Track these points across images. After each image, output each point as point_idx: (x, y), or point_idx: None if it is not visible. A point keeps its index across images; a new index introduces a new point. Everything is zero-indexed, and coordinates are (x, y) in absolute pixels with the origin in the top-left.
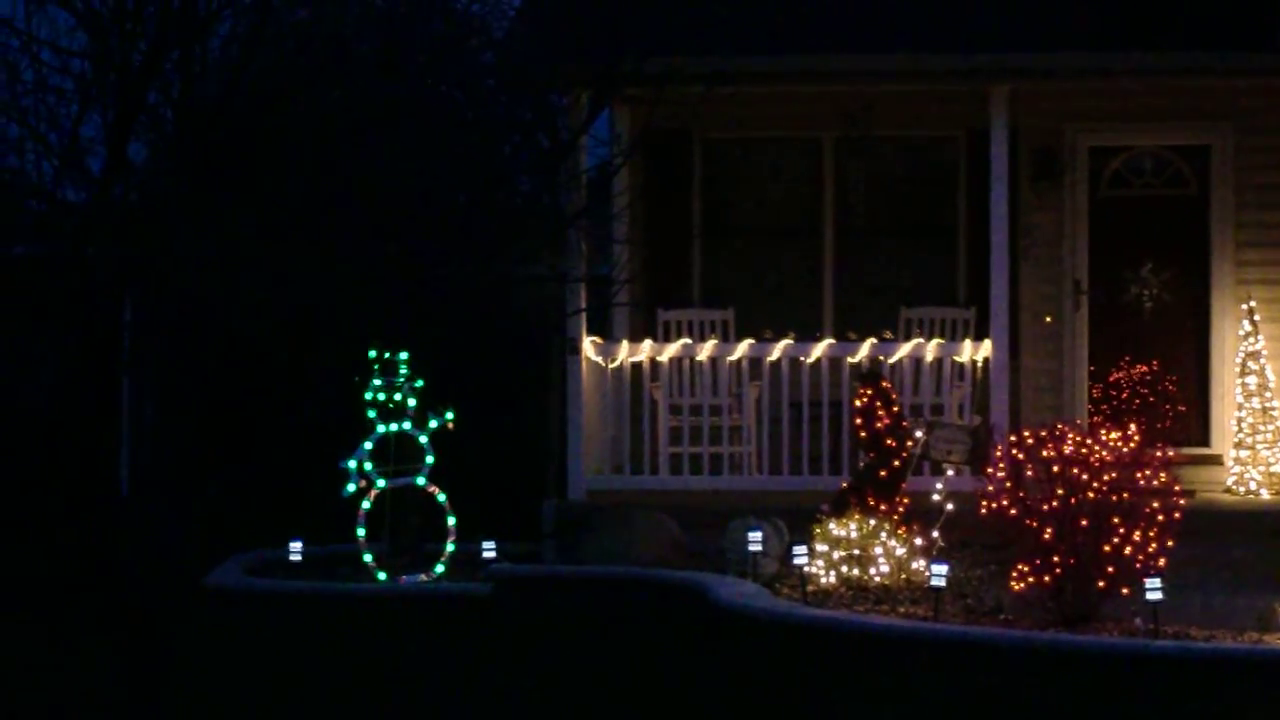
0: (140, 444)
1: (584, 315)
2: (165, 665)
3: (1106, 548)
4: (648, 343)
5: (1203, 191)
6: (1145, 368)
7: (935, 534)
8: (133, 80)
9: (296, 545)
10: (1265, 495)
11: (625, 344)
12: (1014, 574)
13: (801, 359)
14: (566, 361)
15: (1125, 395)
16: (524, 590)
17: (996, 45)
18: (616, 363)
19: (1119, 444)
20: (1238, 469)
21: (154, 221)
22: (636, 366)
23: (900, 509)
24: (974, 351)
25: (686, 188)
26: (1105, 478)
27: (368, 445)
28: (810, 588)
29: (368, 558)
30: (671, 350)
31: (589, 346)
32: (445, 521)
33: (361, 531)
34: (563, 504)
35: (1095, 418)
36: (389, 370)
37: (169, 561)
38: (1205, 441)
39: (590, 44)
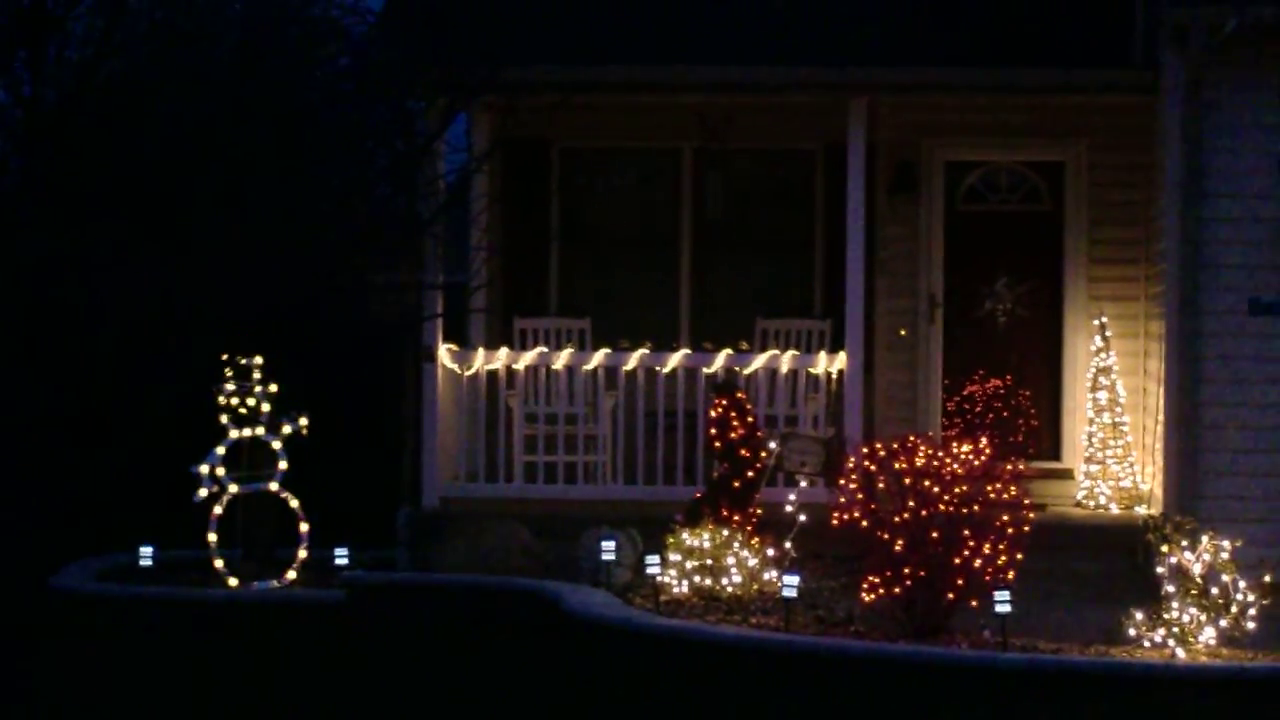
0: None
1: (440, 322)
2: (12, 668)
3: (957, 560)
4: (504, 350)
5: (1057, 207)
6: (999, 382)
7: (788, 545)
8: None
9: (147, 550)
10: (1114, 509)
11: (481, 351)
12: (865, 585)
13: (658, 369)
14: (422, 368)
15: (979, 409)
16: (377, 597)
17: (855, 59)
18: (472, 370)
19: (971, 457)
20: (1088, 483)
21: (1, 219)
22: (492, 374)
23: (754, 519)
24: (829, 363)
25: (544, 196)
26: (957, 490)
27: (220, 450)
28: (663, 597)
29: (219, 563)
30: (527, 358)
31: (445, 354)
32: (298, 528)
33: (213, 537)
34: (417, 511)
35: (949, 431)
36: (242, 375)
37: (13, 564)
38: (1057, 456)
39: (447, 51)
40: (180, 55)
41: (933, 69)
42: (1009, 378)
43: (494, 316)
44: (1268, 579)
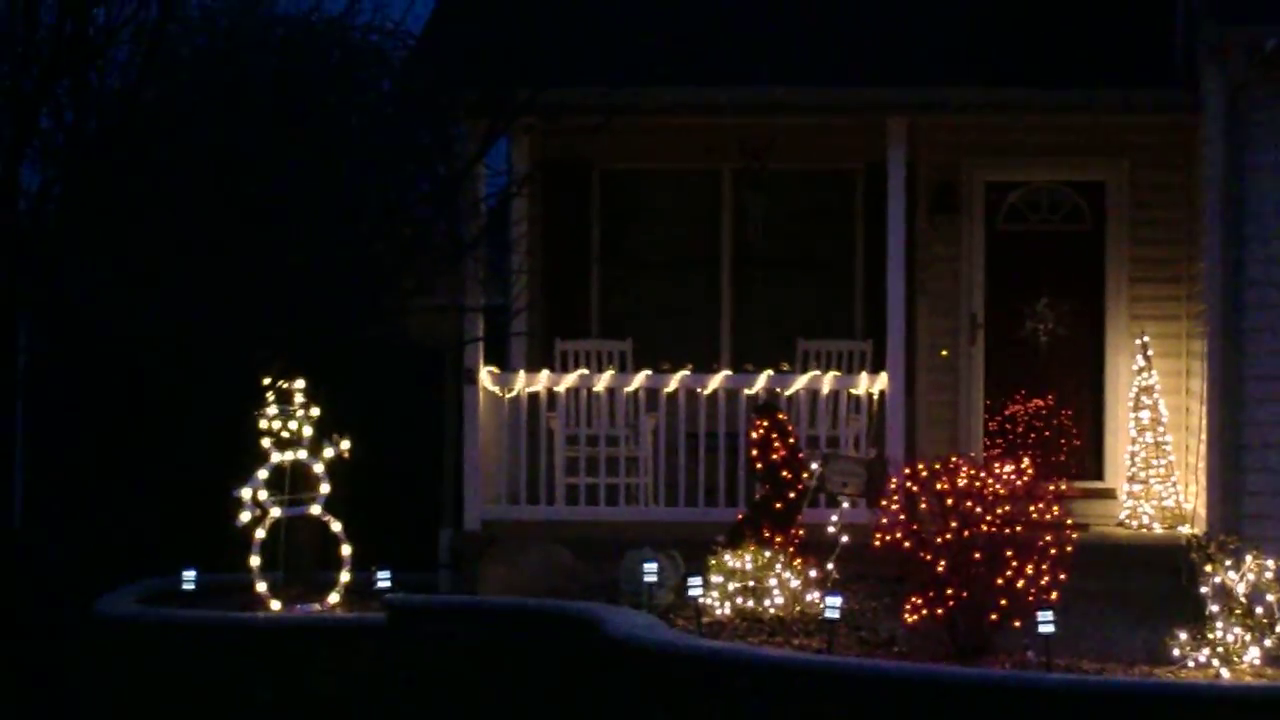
0: (34, 473)
1: (481, 345)
2: (58, 693)
3: (1000, 580)
4: (545, 373)
5: (1098, 227)
6: (1040, 402)
7: (830, 566)
8: (24, 105)
9: (190, 574)
10: (1157, 529)
11: (522, 374)
12: (908, 606)
13: (699, 390)
14: (463, 391)
15: (1021, 429)
16: (419, 620)
17: (895, 79)
18: (513, 393)
19: (1013, 477)
20: (1131, 503)
21: (45, 246)
22: (533, 396)
23: (796, 541)
24: (870, 384)
25: (585, 218)
26: (999, 511)
27: (262, 474)
28: (705, 619)
29: (261, 587)
30: (569, 380)
31: (486, 376)
32: (340, 551)
33: (256, 560)
34: (459, 534)
35: (991, 451)
36: (284, 399)
37: (59, 590)
38: (1099, 475)
39: (487, 74)
40: (221, 80)
41: (972, 89)
42: (1051, 397)
43: (535, 339)
44: None
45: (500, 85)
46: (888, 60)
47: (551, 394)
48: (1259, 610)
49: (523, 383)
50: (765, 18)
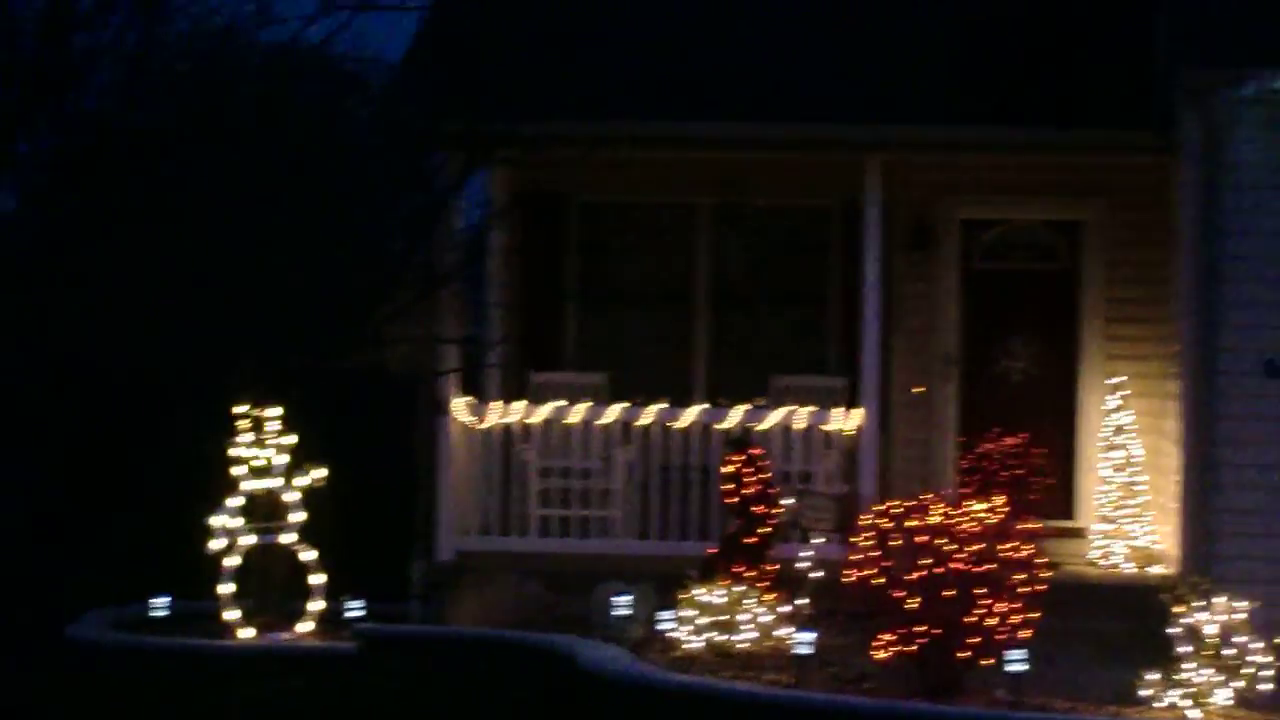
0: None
1: (456, 376)
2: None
3: (971, 619)
4: (520, 404)
5: (1074, 266)
6: (1014, 440)
7: (802, 601)
8: (2, 129)
9: (161, 600)
10: (1129, 569)
11: (497, 405)
12: (879, 643)
13: (673, 424)
14: (437, 422)
15: (994, 467)
16: (390, 650)
17: (872, 116)
18: (488, 424)
19: (985, 515)
20: (1102, 542)
21: (17, 270)
22: (508, 428)
23: (768, 576)
24: (845, 420)
25: (562, 250)
26: (971, 549)
27: (234, 502)
28: (676, 653)
29: (233, 614)
30: (543, 413)
31: (461, 407)
32: (312, 579)
33: (227, 588)
34: (431, 564)
35: (964, 488)
36: (258, 427)
37: (28, 616)
38: (1071, 514)
39: (465, 105)
40: (202, 107)
41: (949, 127)
42: (1024, 436)
43: (510, 370)
44: None
45: (478, 117)
46: (865, 97)
47: (526, 426)
48: (1229, 652)
49: (497, 414)
50: (744, 53)
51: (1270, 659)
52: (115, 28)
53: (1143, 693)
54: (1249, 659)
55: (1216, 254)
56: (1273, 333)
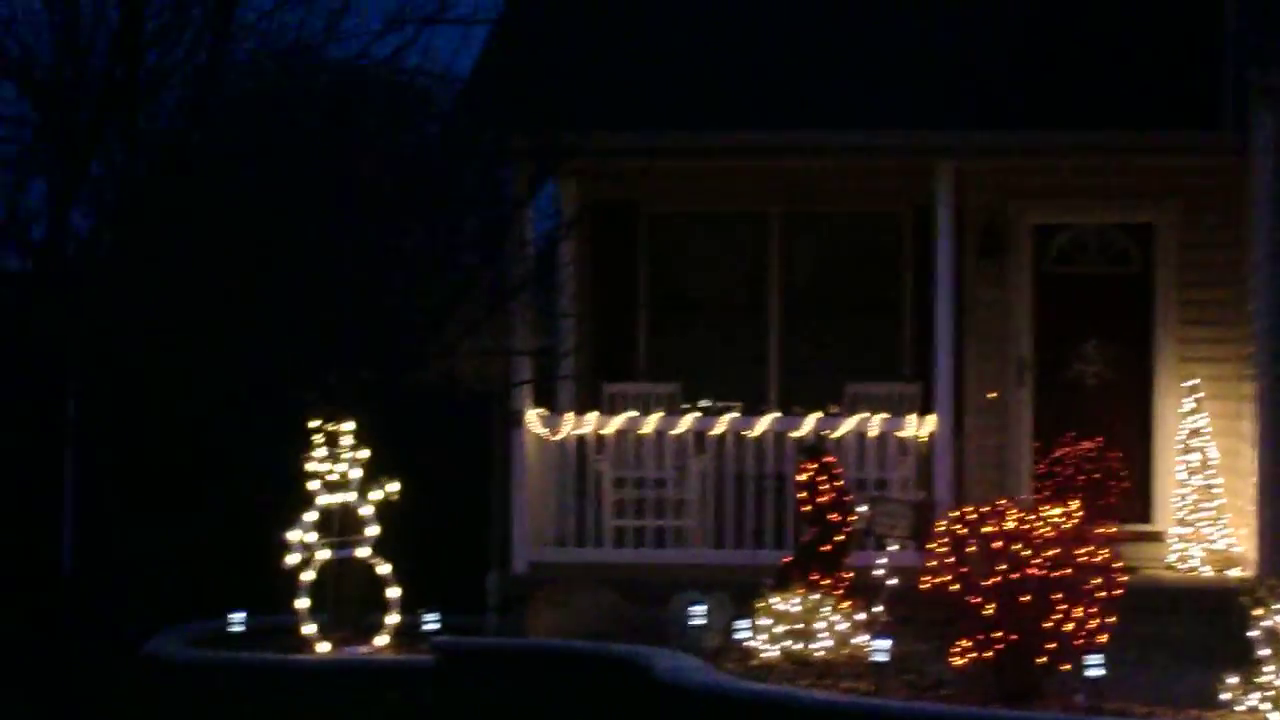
0: (83, 518)
1: (529, 388)
2: None
3: (1048, 624)
4: (593, 415)
5: (1147, 269)
6: (1089, 444)
7: (878, 609)
8: (75, 149)
9: (238, 616)
10: (1207, 572)
11: (570, 416)
12: (955, 649)
13: (746, 433)
14: (510, 434)
15: (1069, 471)
16: (467, 662)
17: (942, 122)
18: (561, 435)
19: (1061, 520)
20: (1180, 546)
21: (95, 290)
22: (581, 439)
23: (844, 583)
24: (918, 427)
25: (633, 260)
26: (1047, 554)
27: (309, 516)
28: (752, 662)
29: (310, 629)
30: (616, 423)
31: (533, 419)
32: (388, 593)
33: (303, 603)
34: (506, 576)
35: (1039, 493)
36: (333, 441)
37: (108, 632)
38: (1148, 518)
39: (534, 117)
40: (271, 124)
41: (1017, 132)
42: (1099, 440)
43: (583, 381)
44: None
45: (547, 129)
46: (934, 103)
47: (599, 436)
48: None
49: (570, 425)
50: (811, 60)
51: None
52: (185, 46)
53: (1223, 696)
54: None
55: None
56: None
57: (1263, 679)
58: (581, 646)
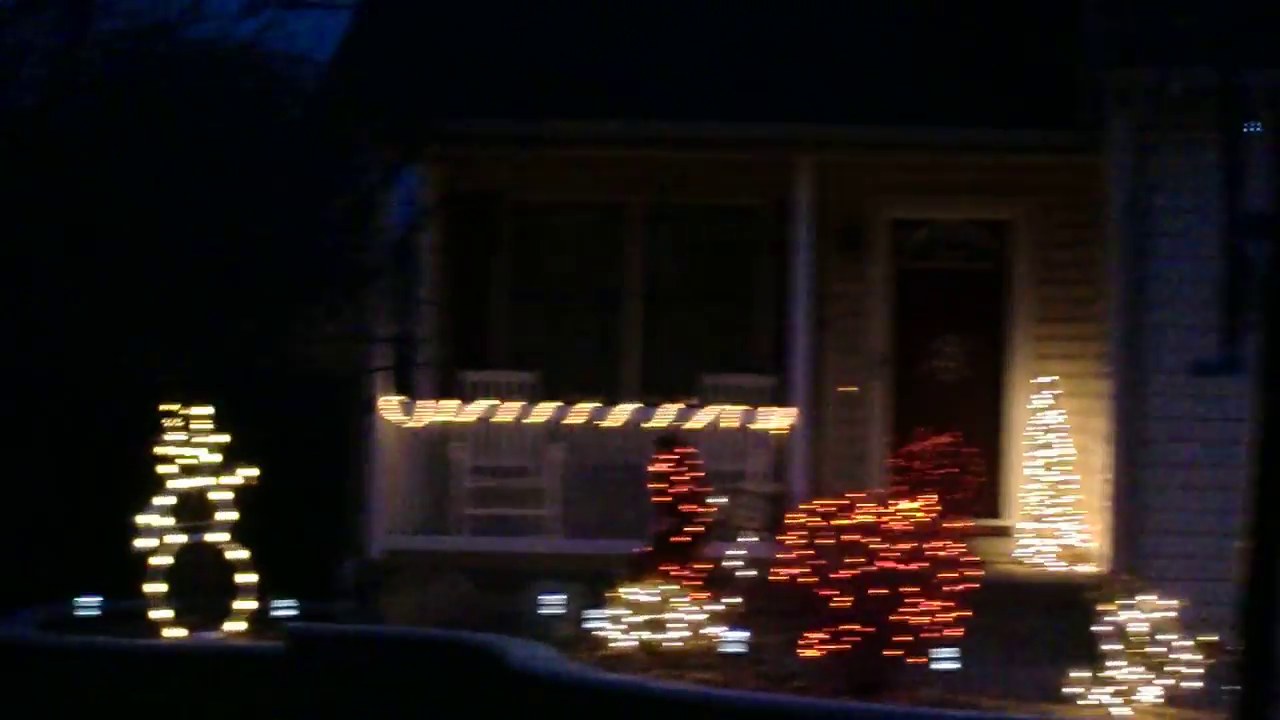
0: None
1: (387, 374)
2: None
3: (899, 617)
4: (451, 403)
5: (1004, 266)
6: (944, 439)
7: (733, 600)
8: None
9: (90, 599)
10: (1058, 568)
11: (428, 404)
12: (808, 641)
13: (604, 423)
14: (367, 420)
15: (924, 466)
16: (320, 649)
17: (804, 116)
18: (418, 423)
19: (915, 514)
20: (1032, 541)
21: None
22: (439, 427)
23: (699, 574)
24: (776, 419)
25: (494, 249)
26: (900, 547)
27: (163, 500)
28: (607, 652)
29: (161, 614)
30: (474, 411)
31: (391, 406)
32: (242, 578)
33: (156, 587)
34: (362, 563)
35: (894, 487)
36: (187, 425)
37: None
38: (1001, 513)
39: (394, 103)
40: (131, 105)
41: (878, 127)
42: (954, 435)
43: (442, 369)
44: (1210, 638)
45: (405, 115)
46: (796, 97)
47: (457, 424)
48: (1157, 649)
49: (427, 413)
50: (677, 54)
51: (1199, 656)
52: (45, 24)
53: (1070, 690)
54: (1177, 656)
55: (1145, 254)
56: (1200, 331)
57: (1109, 673)
58: (436, 634)
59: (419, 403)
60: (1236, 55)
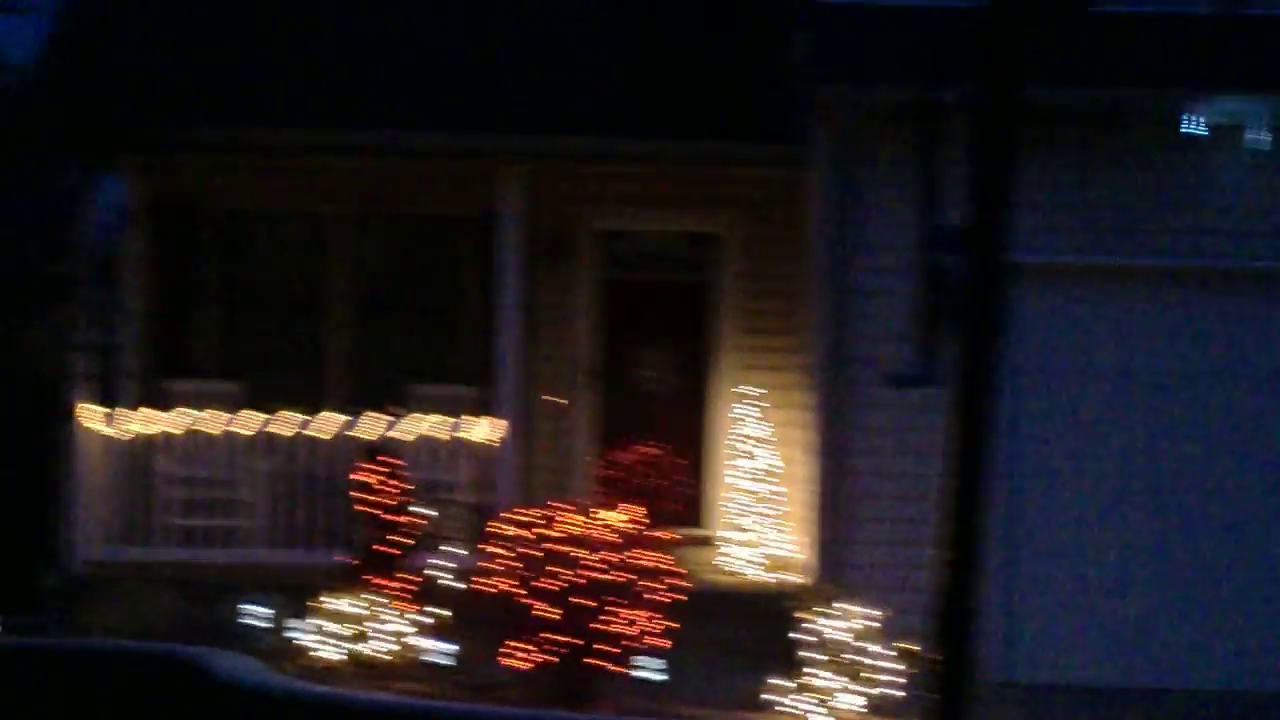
0: None
1: (90, 384)
2: None
3: (604, 627)
4: (154, 413)
5: (711, 278)
6: (651, 449)
7: (440, 611)
8: None
9: None
10: (763, 577)
11: (131, 413)
12: (514, 652)
13: (311, 433)
14: (69, 429)
15: (631, 476)
16: (20, 662)
17: (513, 127)
18: (122, 432)
19: (620, 524)
20: (736, 550)
21: None
22: (142, 436)
23: (405, 585)
24: (484, 430)
25: (199, 258)
26: (605, 557)
27: None
28: (314, 663)
29: None
30: (178, 421)
31: (95, 415)
32: None
33: None
34: (64, 575)
35: (601, 497)
36: None
37: None
38: (707, 523)
39: (91, 108)
40: None
41: (586, 138)
42: (662, 445)
43: (147, 378)
44: (911, 646)
45: (102, 120)
46: (506, 108)
47: (160, 434)
48: (858, 658)
49: (131, 422)
50: (389, 62)
51: (900, 665)
52: None
53: (770, 698)
54: (878, 665)
55: (847, 267)
56: (898, 344)
57: (809, 681)
58: (141, 647)
59: (122, 412)
60: (933, 72)
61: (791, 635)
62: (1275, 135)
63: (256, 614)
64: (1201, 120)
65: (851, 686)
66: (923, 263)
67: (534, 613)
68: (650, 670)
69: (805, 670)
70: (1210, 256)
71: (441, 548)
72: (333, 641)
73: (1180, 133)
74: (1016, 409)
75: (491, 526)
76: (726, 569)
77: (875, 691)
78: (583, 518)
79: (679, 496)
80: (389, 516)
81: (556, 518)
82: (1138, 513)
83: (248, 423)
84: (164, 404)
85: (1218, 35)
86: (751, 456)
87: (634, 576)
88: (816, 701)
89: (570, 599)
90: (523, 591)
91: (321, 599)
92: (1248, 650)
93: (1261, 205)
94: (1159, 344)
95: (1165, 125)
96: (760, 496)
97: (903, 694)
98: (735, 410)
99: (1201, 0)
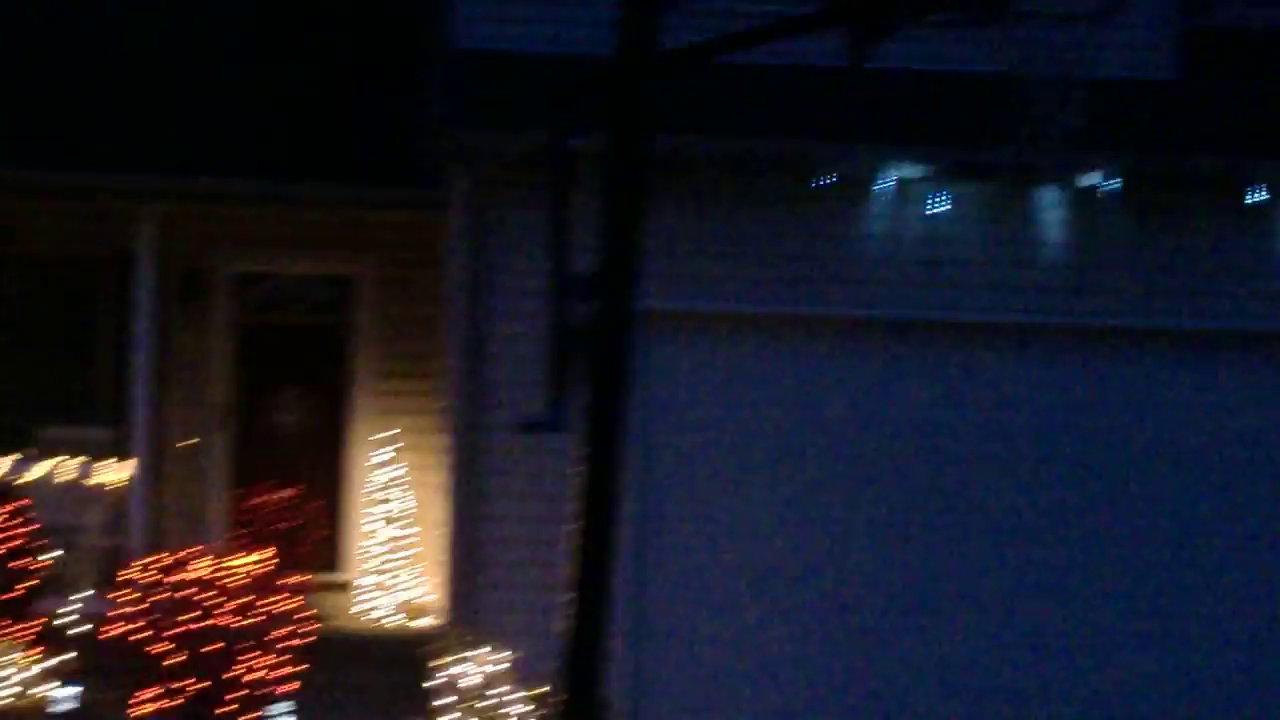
0: None
1: None
2: None
3: (233, 673)
4: None
5: (348, 320)
6: (288, 492)
7: (66, 657)
8: None
9: None
10: (397, 622)
11: None
12: (142, 699)
13: None
14: None
15: (266, 520)
16: None
17: (144, 166)
18: None
19: (252, 568)
20: (372, 595)
21: None
22: None
23: (31, 630)
24: (115, 472)
25: None
26: (236, 602)
27: None
28: None
29: None
30: None
31: None
32: None
33: None
34: None
35: (235, 541)
36: None
37: None
38: (341, 568)
39: None
40: None
41: (220, 178)
42: (297, 489)
43: None
44: (541, 690)
45: None
46: (141, 148)
47: None
48: (490, 703)
49: None
50: (18, 100)
51: (530, 708)
52: None
53: None
54: (508, 709)
55: (483, 312)
56: (530, 389)
57: None
58: None
59: None
60: (565, 120)
61: (423, 680)
62: (904, 185)
63: None
64: (834, 174)
65: None
66: (552, 309)
67: (164, 660)
68: (281, 717)
69: (438, 716)
70: (846, 305)
71: (71, 593)
72: None
73: (810, 184)
74: (648, 454)
75: (122, 571)
76: (363, 614)
77: None
78: (214, 562)
79: (316, 540)
80: (14, 561)
81: (188, 562)
82: (776, 557)
83: None
84: None
85: (847, 86)
86: (388, 500)
87: (265, 622)
88: None
89: (200, 645)
90: (151, 636)
91: None
92: (883, 692)
93: (886, 255)
94: (791, 391)
95: (798, 173)
96: (397, 541)
97: None
98: (373, 454)
99: (827, 53)
